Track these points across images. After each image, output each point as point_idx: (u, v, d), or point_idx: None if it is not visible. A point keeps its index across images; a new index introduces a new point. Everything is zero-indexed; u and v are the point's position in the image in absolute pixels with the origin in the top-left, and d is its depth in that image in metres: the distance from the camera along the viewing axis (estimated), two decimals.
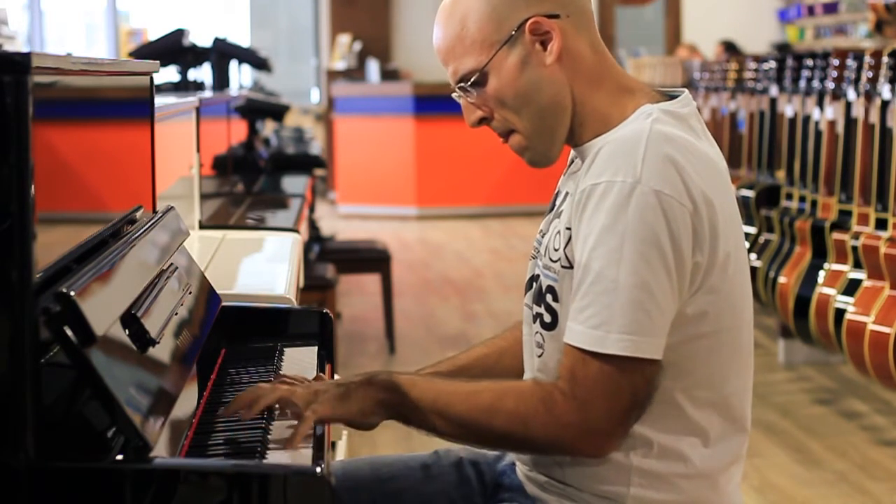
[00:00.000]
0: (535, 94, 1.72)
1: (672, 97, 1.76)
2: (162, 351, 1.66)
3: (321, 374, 2.00)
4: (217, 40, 5.90)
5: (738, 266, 1.69)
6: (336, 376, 2.20)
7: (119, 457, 1.44)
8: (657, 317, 1.60)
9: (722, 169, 1.72)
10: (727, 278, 1.67)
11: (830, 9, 11.31)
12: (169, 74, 5.48)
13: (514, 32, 1.71)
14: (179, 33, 5.43)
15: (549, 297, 1.73)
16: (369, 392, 1.69)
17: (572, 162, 1.83)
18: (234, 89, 5.95)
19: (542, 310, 1.75)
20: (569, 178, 1.80)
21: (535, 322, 1.78)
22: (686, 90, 1.78)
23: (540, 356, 1.77)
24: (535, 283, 1.79)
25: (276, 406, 1.73)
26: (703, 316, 1.66)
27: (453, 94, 1.79)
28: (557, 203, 1.80)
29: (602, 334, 1.60)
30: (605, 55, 1.77)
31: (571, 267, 1.68)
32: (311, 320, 2.25)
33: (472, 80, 1.73)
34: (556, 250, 1.72)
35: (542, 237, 1.81)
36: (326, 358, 2.16)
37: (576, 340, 1.62)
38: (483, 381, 1.74)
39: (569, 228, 1.69)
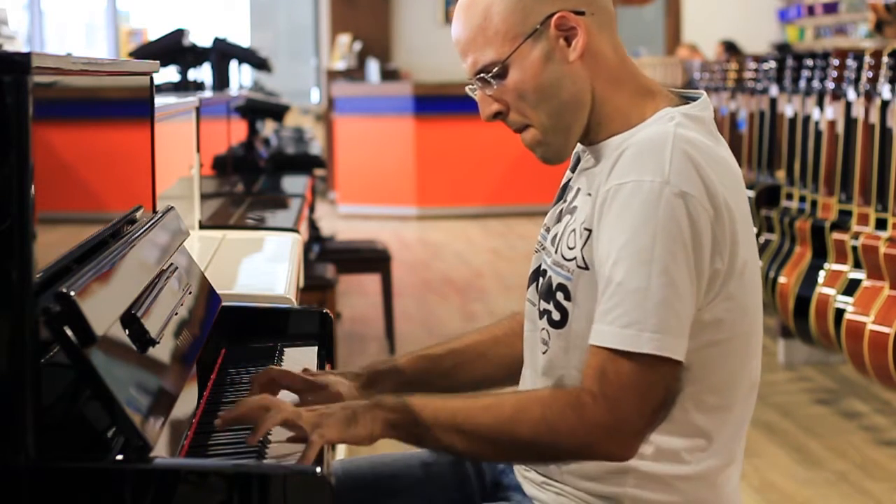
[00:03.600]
0: (556, 89, 1.71)
1: (689, 100, 1.76)
2: (162, 351, 1.66)
3: (326, 369, 1.98)
4: (217, 40, 5.90)
5: (752, 272, 1.69)
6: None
7: (119, 457, 1.44)
8: (684, 318, 1.60)
9: (738, 174, 1.72)
10: (743, 285, 1.66)
11: (830, 9, 11.31)
12: (169, 74, 5.48)
13: (539, 26, 1.69)
14: (179, 33, 5.43)
15: (559, 295, 1.72)
16: (378, 415, 1.63)
17: (580, 158, 1.82)
18: (234, 89, 5.95)
19: (550, 306, 1.74)
20: (581, 174, 1.78)
21: (541, 318, 1.76)
22: (704, 93, 1.77)
23: (545, 353, 1.76)
24: (540, 278, 1.78)
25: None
26: (720, 323, 1.66)
27: (467, 88, 1.77)
28: (569, 198, 1.79)
29: (635, 333, 1.58)
30: (624, 56, 1.76)
31: (587, 268, 1.67)
32: (311, 320, 2.25)
33: (493, 72, 1.71)
34: (570, 248, 1.71)
35: (548, 232, 1.80)
36: (326, 358, 2.16)
37: (606, 341, 1.59)
38: (499, 394, 1.71)
39: (587, 229, 1.67)
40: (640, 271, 1.58)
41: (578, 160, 1.82)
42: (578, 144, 1.80)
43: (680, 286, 1.59)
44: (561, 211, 1.79)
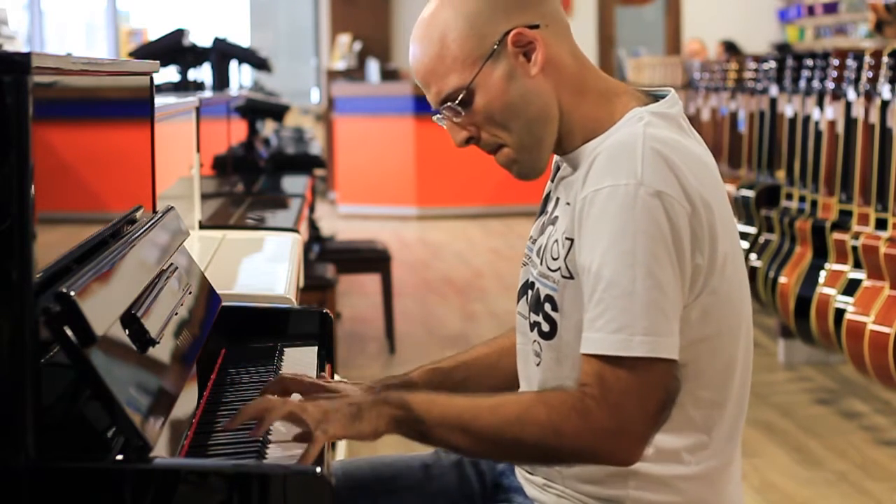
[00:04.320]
0: (523, 106, 1.70)
1: (657, 97, 1.76)
2: (162, 351, 1.66)
3: (323, 374, 1.98)
4: (217, 40, 5.90)
5: (735, 266, 1.69)
6: (336, 377, 2.20)
7: (119, 457, 1.44)
8: (672, 317, 1.60)
9: (712, 167, 1.72)
10: (726, 279, 1.67)
11: (830, 9, 11.31)
12: (169, 74, 5.48)
13: (496, 46, 1.69)
14: (179, 33, 5.43)
15: (547, 307, 1.72)
16: (383, 411, 1.63)
17: (558, 167, 1.82)
18: (234, 89, 5.95)
19: (539, 318, 1.74)
20: (559, 184, 1.78)
21: (532, 331, 1.76)
22: (672, 90, 1.77)
23: (538, 365, 1.76)
24: (529, 291, 1.78)
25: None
26: (706, 318, 1.66)
27: (435, 118, 1.77)
28: (550, 209, 1.79)
29: (625, 337, 1.58)
30: (585, 61, 1.76)
31: (572, 277, 1.67)
32: (311, 320, 2.25)
33: (459, 98, 1.70)
34: (554, 259, 1.71)
35: (533, 244, 1.80)
36: (326, 358, 2.16)
37: (597, 348, 1.59)
38: (504, 395, 1.71)
39: (569, 238, 1.67)
40: (624, 275, 1.58)
41: (558, 169, 1.82)
42: (555, 155, 1.79)
43: (665, 286, 1.59)
44: (543, 223, 1.79)
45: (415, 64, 1.74)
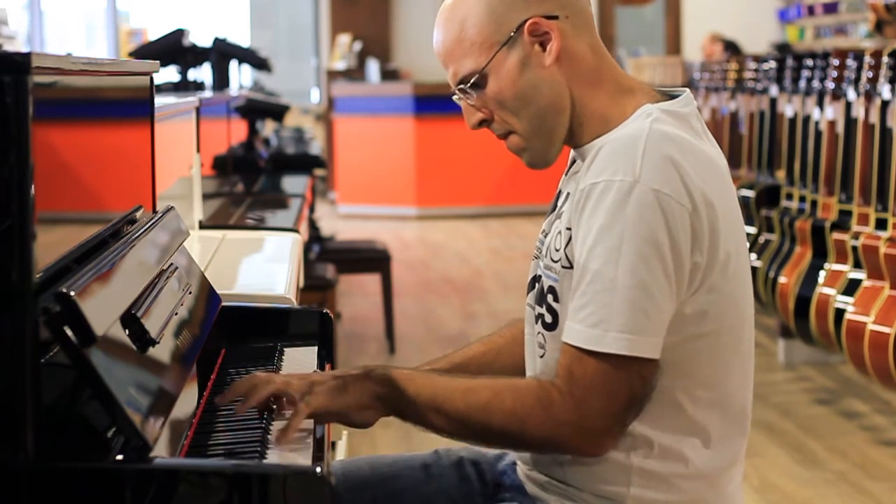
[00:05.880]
0: (534, 95, 1.72)
1: (673, 97, 1.76)
2: (162, 351, 1.66)
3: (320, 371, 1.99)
4: (217, 40, 5.90)
5: (739, 266, 1.69)
6: None
7: (119, 457, 1.44)
8: (655, 316, 1.60)
9: (722, 168, 1.72)
10: (728, 278, 1.67)
11: (830, 9, 11.31)
12: (169, 74, 5.48)
13: (513, 33, 1.71)
14: (179, 33, 5.43)
15: (549, 298, 1.73)
16: (366, 385, 1.69)
17: (573, 163, 1.83)
18: (234, 89, 5.95)
19: (543, 310, 1.75)
20: (570, 179, 1.80)
21: (536, 322, 1.78)
22: (687, 90, 1.78)
23: (542, 356, 1.77)
24: (536, 284, 1.79)
25: (272, 399, 1.73)
26: (704, 315, 1.66)
27: (454, 97, 1.80)
28: (559, 203, 1.80)
29: (600, 332, 1.60)
30: (604, 56, 1.77)
31: (572, 267, 1.68)
32: (311, 320, 2.25)
33: (472, 81, 1.73)
34: (556, 251, 1.72)
35: (545, 237, 1.81)
36: (326, 358, 2.16)
37: (573, 339, 1.62)
38: (481, 378, 1.74)
39: (569, 229, 1.69)
40: (607, 272, 1.60)
41: (572, 164, 1.83)
42: (571, 151, 1.80)
43: (649, 285, 1.59)
44: (552, 217, 1.81)
45: (436, 46, 1.77)
